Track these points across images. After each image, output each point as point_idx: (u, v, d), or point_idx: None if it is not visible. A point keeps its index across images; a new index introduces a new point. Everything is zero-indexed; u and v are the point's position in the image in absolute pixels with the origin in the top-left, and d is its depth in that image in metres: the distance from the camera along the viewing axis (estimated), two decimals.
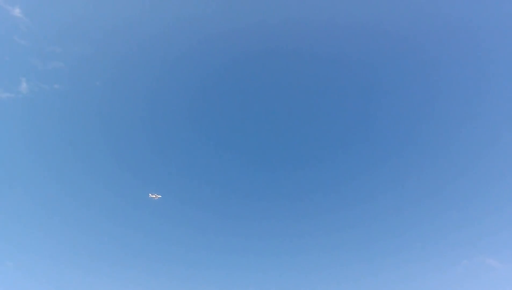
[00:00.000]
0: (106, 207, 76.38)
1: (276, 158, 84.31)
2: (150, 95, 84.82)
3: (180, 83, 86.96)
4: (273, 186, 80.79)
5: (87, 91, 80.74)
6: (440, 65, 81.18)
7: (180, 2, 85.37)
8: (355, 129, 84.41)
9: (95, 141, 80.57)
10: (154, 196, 69.77)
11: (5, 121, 75.92)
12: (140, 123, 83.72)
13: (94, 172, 78.94)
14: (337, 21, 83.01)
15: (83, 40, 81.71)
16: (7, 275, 65.27)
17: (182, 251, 73.21)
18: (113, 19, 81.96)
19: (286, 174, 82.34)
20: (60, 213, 73.69)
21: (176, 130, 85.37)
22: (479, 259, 66.09)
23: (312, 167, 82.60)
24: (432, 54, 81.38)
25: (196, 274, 69.76)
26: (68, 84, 79.71)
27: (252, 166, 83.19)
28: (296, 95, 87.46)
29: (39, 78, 78.65)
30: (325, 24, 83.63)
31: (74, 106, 79.78)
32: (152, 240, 74.42)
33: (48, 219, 72.71)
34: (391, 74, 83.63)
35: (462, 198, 72.96)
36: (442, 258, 66.25)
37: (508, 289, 62.65)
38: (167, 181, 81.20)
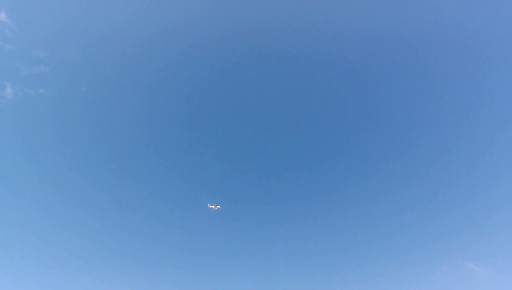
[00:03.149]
0: (98, 210, 76.43)
1: (275, 162, 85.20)
2: (136, 100, 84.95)
3: (167, 88, 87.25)
4: (271, 190, 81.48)
5: (72, 96, 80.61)
6: (439, 68, 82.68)
7: (167, 6, 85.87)
8: (351, 133, 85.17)
9: (78, 145, 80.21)
10: (213, 207, 70.92)
11: None
12: (125, 127, 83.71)
13: (80, 175, 78.42)
14: (336, 23, 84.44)
15: (69, 45, 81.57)
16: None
17: (180, 255, 73.40)
18: (99, 24, 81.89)
19: (284, 178, 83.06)
20: (46, 215, 73.30)
21: (165, 134, 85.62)
22: (459, 264, 67.29)
23: (307, 172, 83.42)
24: (431, 57, 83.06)
25: (193, 277, 69.83)
26: (53, 88, 79.42)
27: (250, 170, 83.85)
28: (294, 98, 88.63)
29: (24, 83, 78.24)
30: (323, 26, 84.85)
31: (59, 111, 79.30)
32: (150, 244, 74.41)
33: (36, 220, 72.23)
34: (390, 78, 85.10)
35: (442, 204, 74.29)
36: (422, 263, 67.24)
37: None
38: (162, 184, 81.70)
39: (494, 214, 70.36)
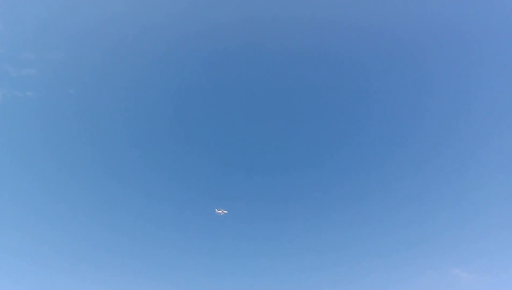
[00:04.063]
0: (90, 212, 75.90)
1: (270, 160, 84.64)
2: (125, 102, 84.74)
3: (157, 90, 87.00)
4: (267, 188, 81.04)
5: (60, 98, 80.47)
6: (435, 66, 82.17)
7: (156, 5, 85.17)
8: (345, 132, 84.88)
9: (66, 148, 80.00)
10: (220, 211, 70.65)
11: None
12: (114, 130, 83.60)
13: (71, 178, 78.36)
14: (331, 21, 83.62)
15: (57, 47, 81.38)
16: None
17: (180, 256, 73.30)
18: (87, 25, 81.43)
19: (278, 176, 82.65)
20: (41, 218, 73.08)
21: (156, 135, 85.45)
22: (444, 269, 67.27)
23: (299, 171, 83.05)
24: (427, 55, 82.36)
25: (191, 277, 69.72)
26: (41, 91, 79.12)
27: (245, 168, 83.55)
28: (289, 95, 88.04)
29: (12, 85, 78.02)
30: (319, 24, 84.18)
31: (47, 113, 79.10)
32: (147, 244, 74.06)
33: (31, 223, 71.97)
34: (385, 75, 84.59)
35: (426, 209, 74.11)
36: (406, 269, 66.98)
37: None
38: (156, 186, 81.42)
39: (478, 219, 70.63)
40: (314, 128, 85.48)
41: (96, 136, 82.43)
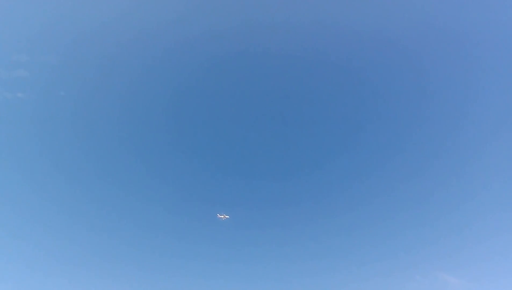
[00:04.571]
0: (84, 216, 75.04)
1: (271, 164, 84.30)
2: (118, 105, 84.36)
3: (152, 93, 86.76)
4: (268, 192, 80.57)
5: (51, 100, 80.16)
6: (435, 67, 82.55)
7: (150, 7, 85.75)
8: (346, 136, 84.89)
9: (57, 150, 79.50)
10: (222, 216, 69.96)
11: None
12: (107, 133, 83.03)
13: (60, 180, 77.65)
14: (333, 24, 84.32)
15: (50, 50, 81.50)
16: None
17: (178, 260, 72.46)
18: (81, 28, 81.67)
19: (277, 180, 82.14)
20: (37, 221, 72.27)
21: (150, 138, 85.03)
22: (432, 274, 67.26)
23: (300, 175, 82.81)
24: (427, 57, 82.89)
25: (192, 283, 68.76)
26: (31, 93, 78.85)
27: (246, 172, 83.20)
28: (290, 99, 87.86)
29: (3, 87, 78.03)
30: (319, 27, 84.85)
31: (37, 115, 78.59)
32: (147, 249, 73.29)
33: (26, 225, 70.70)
34: (386, 78, 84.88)
35: (414, 214, 74.20)
36: (394, 274, 66.73)
37: None
38: (153, 189, 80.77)
39: (467, 224, 70.79)
40: (315, 131, 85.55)
41: (88, 138, 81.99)
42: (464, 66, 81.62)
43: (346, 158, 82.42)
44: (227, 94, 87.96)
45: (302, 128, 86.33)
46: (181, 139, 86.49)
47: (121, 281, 67.68)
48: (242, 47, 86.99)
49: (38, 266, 67.40)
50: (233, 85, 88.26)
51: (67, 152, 79.55)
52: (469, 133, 78.57)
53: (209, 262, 71.69)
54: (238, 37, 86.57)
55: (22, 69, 78.83)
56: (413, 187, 76.43)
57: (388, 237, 71.85)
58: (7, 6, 79.20)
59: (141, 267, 69.92)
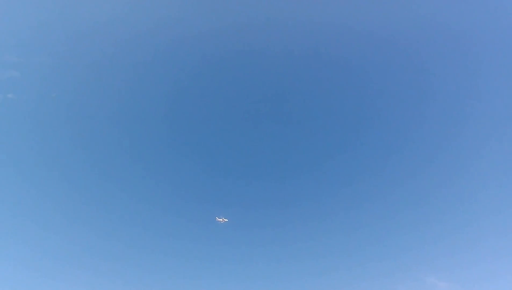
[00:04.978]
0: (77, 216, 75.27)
1: (270, 164, 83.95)
2: (110, 107, 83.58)
3: (145, 95, 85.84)
4: (264, 193, 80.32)
5: (42, 101, 79.39)
6: (435, 67, 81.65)
7: (143, 8, 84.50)
8: (345, 136, 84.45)
9: (48, 151, 79.07)
10: (221, 220, 70.04)
11: None
12: (96, 135, 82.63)
13: (50, 180, 77.74)
14: (333, 23, 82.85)
15: (41, 50, 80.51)
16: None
17: (179, 260, 72.79)
18: (73, 29, 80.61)
19: (277, 181, 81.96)
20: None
21: (145, 139, 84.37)
22: (421, 278, 67.55)
23: (299, 175, 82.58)
24: (428, 56, 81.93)
25: (190, 284, 69.20)
26: (22, 94, 78.32)
27: (244, 172, 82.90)
28: (289, 98, 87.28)
29: None
30: (319, 26, 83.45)
31: (28, 116, 78.00)
32: (144, 250, 73.37)
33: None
34: (385, 78, 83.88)
35: (403, 218, 74.23)
36: (384, 278, 66.94)
37: None
38: (152, 189, 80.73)
39: (456, 228, 70.97)
40: (314, 131, 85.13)
41: (81, 140, 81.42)
42: (465, 66, 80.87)
43: (342, 160, 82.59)
44: (225, 94, 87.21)
45: (301, 128, 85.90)
46: (180, 139, 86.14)
47: (121, 281, 68.29)
48: (240, 45, 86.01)
49: (38, 266, 68.02)
50: (232, 85, 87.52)
51: (59, 154, 79.54)
52: (467, 135, 77.97)
53: (209, 262, 72.46)
54: (236, 36, 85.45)
55: (13, 70, 78.35)
56: (404, 191, 76.69)
57: (377, 240, 72.41)
58: None
59: (141, 267, 70.78)
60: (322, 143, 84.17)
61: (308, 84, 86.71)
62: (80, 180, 78.48)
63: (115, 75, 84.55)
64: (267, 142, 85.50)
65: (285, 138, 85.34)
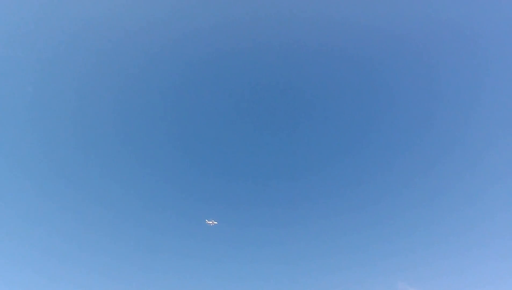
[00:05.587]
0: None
1: (271, 164, 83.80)
2: (107, 108, 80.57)
3: (144, 95, 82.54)
4: (263, 193, 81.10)
5: (17, 96, 75.35)
6: (440, 67, 79.13)
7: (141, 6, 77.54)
8: (347, 136, 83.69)
9: (43, 151, 77.43)
10: (210, 222, 70.18)
11: None
12: (92, 135, 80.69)
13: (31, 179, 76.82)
14: (338, 21, 78.89)
15: (16, 44, 74.73)
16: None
17: (178, 260, 74.80)
18: (47, 22, 75.43)
19: (280, 183, 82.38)
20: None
21: (143, 140, 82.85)
22: (392, 284, 69.11)
23: (296, 178, 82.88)
24: (433, 56, 78.99)
25: (192, 281, 71.72)
26: (20, 91, 74.77)
27: (247, 172, 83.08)
28: (289, 97, 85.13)
29: None
30: (325, 23, 79.39)
31: (26, 116, 75.57)
32: (143, 248, 75.51)
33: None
34: (388, 76, 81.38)
35: (375, 224, 75.48)
36: (354, 284, 68.85)
37: None
38: (151, 189, 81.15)
39: (426, 235, 72.71)
40: (316, 131, 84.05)
41: (80, 139, 79.73)
42: (471, 66, 77.38)
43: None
44: (224, 93, 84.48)
45: (303, 128, 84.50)
46: (180, 139, 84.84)
47: (121, 281, 70.64)
48: (242, 43, 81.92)
49: (38, 266, 69.77)
50: (231, 85, 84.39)
51: (59, 153, 78.21)
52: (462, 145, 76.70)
53: (209, 262, 74.68)
54: (238, 33, 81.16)
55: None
56: (374, 195, 77.44)
57: (346, 247, 73.81)
58: None
59: (141, 267, 72.95)
60: (322, 143, 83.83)
61: (311, 84, 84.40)
62: (80, 180, 78.51)
63: (113, 73, 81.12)
64: (268, 142, 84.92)
65: (285, 138, 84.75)
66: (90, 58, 78.70)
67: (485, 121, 75.93)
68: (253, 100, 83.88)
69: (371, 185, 79.07)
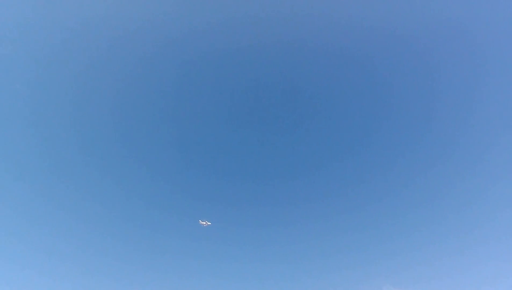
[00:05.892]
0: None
1: (270, 164, 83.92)
2: (105, 107, 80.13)
3: (144, 94, 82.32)
4: (263, 193, 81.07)
5: (7, 94, 74.49)
6: (441, 67, 79.04)
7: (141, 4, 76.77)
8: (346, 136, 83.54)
9: (43, 151, 77.22)
10: (204, 223, 70.37)
11: None
12: (91, 134, 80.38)
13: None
14: (338, 20, 78.38)
15: (5, 41, 73.73)
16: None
17: (177, 260, 74.77)
18: (35, 17, 74.16)
19: (279, 183, 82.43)
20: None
21: (143, 140, 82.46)
22: (376, 286, 69.04)
23: (295, 177, 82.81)
24: (433, 56, 79.02)
25: (191, 281, 71.80)
26: (19, 90, 74.34)
27: (247, 172, 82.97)
28: (289, 97, 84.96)
29: None
30: (324, 22, 79.02)
31: (25, 115, 74.80)
32: (142, 248, 75.35)
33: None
34: (388, 76, 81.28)
35: (360, 227, 75.75)
36: (340, 287, 68.99)
37: None
38: (150, 189, 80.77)
39: (411, 238, 72.88)
40: (315, 131, 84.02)
41: (79, 139, 79.37)
42: (471, 66, 77.27)
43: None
44: (223, 93, 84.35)
45: (303, 128, 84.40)
46: (179, 139, 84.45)
47: (120, 281, 70.46)
48: (242, 43, 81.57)
49: (38, 266, 69.53)
50: (230, 84, 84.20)
51: (58, 153, 77.95)
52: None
53: (209, 262, 74.50)
54: (239, 33, 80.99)
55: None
56: (361, 197, 77.86)
57: (332, 249, 74.01)
58: None
59: (141, 267, 72.69)
60: (322, 143, 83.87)
61: (311, 84, 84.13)
62: (78, 179, 78.21)
63: (112, 72, 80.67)
64: (267, 142, 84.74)
65: (284, 138, 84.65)
66: (89, 57, 78.74)
67: (485, 121, 76.18)
68: (252, 99, 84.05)
69: (371, 185, 79.42)
